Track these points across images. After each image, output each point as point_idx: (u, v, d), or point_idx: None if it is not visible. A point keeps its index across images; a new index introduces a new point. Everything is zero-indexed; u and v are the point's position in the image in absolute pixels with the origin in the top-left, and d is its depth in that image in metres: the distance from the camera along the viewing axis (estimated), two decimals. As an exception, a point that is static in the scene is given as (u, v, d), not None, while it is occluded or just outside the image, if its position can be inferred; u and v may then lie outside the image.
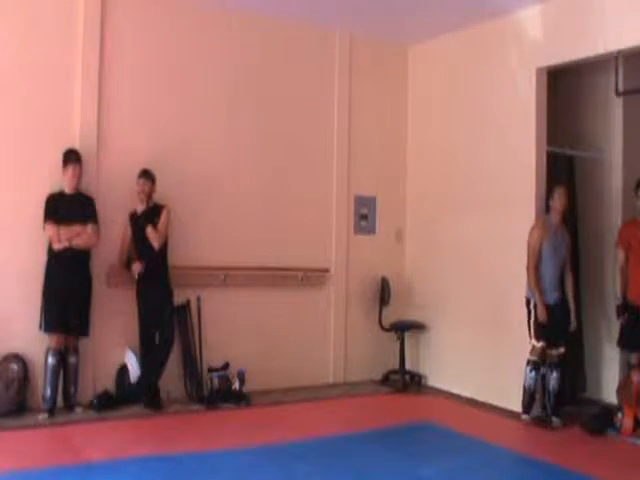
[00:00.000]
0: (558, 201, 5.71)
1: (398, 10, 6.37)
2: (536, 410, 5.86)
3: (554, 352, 5.62)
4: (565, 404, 5.90)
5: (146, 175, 5.76)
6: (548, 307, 5.63)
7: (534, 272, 5.64)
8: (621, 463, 4.74)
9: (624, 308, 5.62)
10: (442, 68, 7.15)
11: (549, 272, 5.69)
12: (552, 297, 5.68)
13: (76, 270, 5.43)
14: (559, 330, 5.65)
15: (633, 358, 5.65)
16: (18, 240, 5.47)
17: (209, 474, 4.20)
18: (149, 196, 5.76)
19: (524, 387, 5.68)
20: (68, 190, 5.48)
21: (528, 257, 5.66)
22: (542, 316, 5.64)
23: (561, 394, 5.71)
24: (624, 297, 5.64)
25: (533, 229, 5.73)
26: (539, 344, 5.66)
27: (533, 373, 5.65)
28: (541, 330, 5.66)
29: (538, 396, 5.75)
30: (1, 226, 5.46)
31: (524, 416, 5.70)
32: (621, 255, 5.71)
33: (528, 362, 5.66)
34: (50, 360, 5.32)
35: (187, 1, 6.26)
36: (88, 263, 5.54)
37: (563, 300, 5.68)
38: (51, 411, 5.29)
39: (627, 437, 5.25)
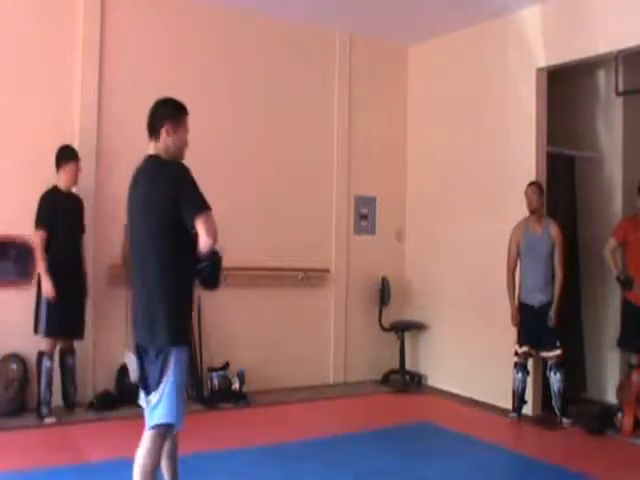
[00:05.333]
0: (526, 200, 5.70)
1: (398, 10, 6.37)
2: (535, 410, 5.89)
3: (550, 354, 5.61)
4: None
5: None
6: (531, 309, 5.64)
7: (509, 274, 5.76)
8: (621, 463, 4.74)
9: (628, 281, 5.59)
10: (442, 68, 7.15)
11: (530, 272, 5.68)
12: (536, 299, 5.65)
13: (73, 273, 5.39)
14: (547, 333, 5.60)
15: (633, 358, 5.65)
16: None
17: (209, 474, 4.20)
18: None
19: (512, 389, 5.74)
20: (65, 189, 5.39)
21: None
22: (512, 319, 5.70)
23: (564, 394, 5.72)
24: (626, 277, 5.61)
25: (512, 231, 5.80)
26: (521, 349, 5.68)
27: (520, 374, 5.66)
28: (523, 334, 5.68)
29: (535, 396, 5.76)
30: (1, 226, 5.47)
31: (512, 414, 5.73)
32: (612, 242, 5.71)
33: (515, 364, 5.69)
34: (47, 363, 5.24)
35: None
36: (83, 265, 5.52)
37: (552, 302, 5.61)
38: (51, 412, 5.27)
39: (627, 437, 5.25)
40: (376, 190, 7.37)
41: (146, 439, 3.08)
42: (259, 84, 6.66)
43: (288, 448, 4.77)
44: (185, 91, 6.29)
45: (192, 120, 6.47)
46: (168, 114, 3.37)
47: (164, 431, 3.07)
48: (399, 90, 7.55)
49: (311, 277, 6.85)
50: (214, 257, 3.12)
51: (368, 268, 7.21)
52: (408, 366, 7.14)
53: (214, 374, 6.07)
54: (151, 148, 3.29)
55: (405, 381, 7.02)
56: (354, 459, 4.60)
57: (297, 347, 6.77)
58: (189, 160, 6.43)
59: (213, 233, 3.03)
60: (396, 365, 7.12)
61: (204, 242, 3.05)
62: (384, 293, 7.15)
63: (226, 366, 6.17)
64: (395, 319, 7.21)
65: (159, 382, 3.06)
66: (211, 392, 6.01)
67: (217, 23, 6.44)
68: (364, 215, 7.30)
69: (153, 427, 3.07)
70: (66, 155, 5.38)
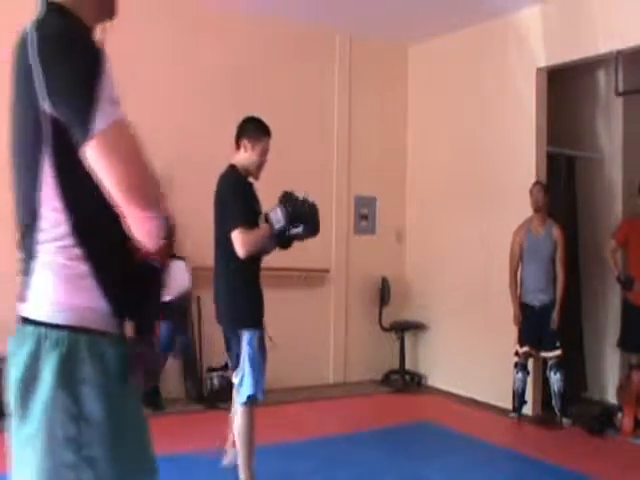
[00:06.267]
0: (530, 199, 5.71)
1: (398, 10, 6.37)
2: (535, 410, 5.89)
3: (550, 354, 5.62)
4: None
5: None
6: (532, 309, 5.65)
7: (512, 274, 5.77)
8: (621, 463, 4.74)
9: (628, 281, 5.61)
10: (442, 68, 7.15)
11: (532, 273, 5.68)
12: (537, 299, 5.66)
13: None
14: (548, 333, 5.60)
15: (633, 358, 5.65)
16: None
17: (209, 474, 4.20)
18: None
19: (512, 389, 5.74)
20: None
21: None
22: (514, 319, 5.70)
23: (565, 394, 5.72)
24: (626, 277, 5.62)
25: (514, 231, 5.80)
26: (522, 349, 5.68)
27: (520, 374, 5.66)
28: (523, 334, 5.68)
29: (535, 396, 5.76)
30: (1, 224, 5.46)
31: (512, 414, 5.74)
32: (613, 243, 5.75)
33: (515, 364, 5.69)
34: None
35: (187, 1, 6.27)
36: None
37: (554, 302, 5.62)
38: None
39: (627, 437, 5.25)
40: (376, 190, 7.36)
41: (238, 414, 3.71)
42: (259, 84, 6.65)
43: (287, 448, 4.77)
44: (184, 91, 6.33)
45: (191, 122, 6.51)
46: (248, 131, 3.80)
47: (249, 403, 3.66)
48: (399, 90, 7.55)
49: (311, 277, 6.85)
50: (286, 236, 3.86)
51: (368, 268, 7.21)
52: (408, 366, 7.14)
53: (214, 374, 6.07)
54: (233, 157, 3.84)
55: (405, 381, 7.02)
56: (354, 459, 4.60)
57: (297, 347, 6.76)
58: (187, 161, 6.46)
59: (242, 252, 3.57)
60: (396, 365, 7.11)
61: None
62: (384, 293, 7.15)
63: (226, 366, 6.16)
64: (395, 319, 7.20)
65: (238, 361, 3.62)
66: (211, 392, 6.01)
67: (217, 23, 6.43)
68: (364, 215, 7.30)
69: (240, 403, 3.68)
70: None
